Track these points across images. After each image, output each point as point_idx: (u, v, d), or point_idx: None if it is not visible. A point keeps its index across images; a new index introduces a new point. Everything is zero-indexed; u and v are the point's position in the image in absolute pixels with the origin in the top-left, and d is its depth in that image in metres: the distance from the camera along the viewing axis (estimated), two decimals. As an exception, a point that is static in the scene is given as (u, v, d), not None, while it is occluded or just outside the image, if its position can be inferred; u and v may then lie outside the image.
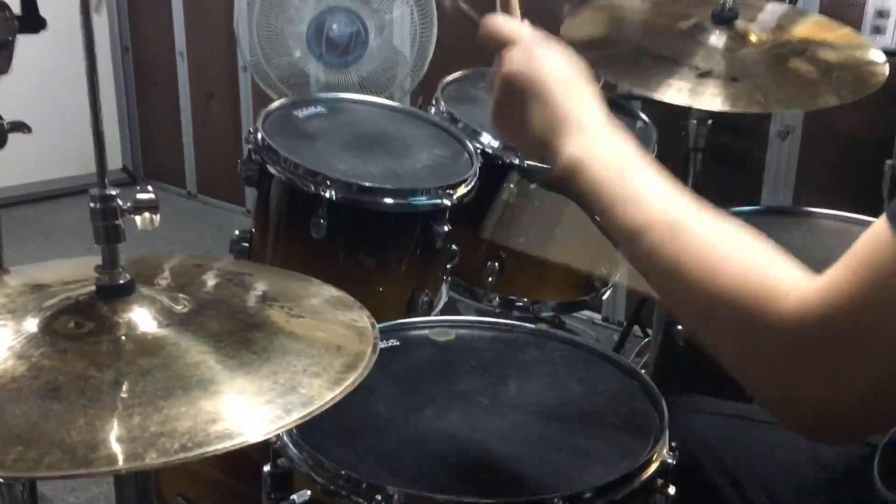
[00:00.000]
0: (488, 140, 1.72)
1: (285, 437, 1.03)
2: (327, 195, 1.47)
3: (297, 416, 0.78)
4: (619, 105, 1.99)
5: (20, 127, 1.51)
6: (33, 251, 3.54)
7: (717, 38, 1.93)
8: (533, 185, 1.69)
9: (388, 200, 1.50)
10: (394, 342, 1.28)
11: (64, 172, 4.17)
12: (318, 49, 2.42)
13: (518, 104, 0.92)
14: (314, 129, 1.69)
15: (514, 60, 0.93)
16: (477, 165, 1.65)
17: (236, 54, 3.72)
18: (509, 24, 0.97)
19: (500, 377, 1.21)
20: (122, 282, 0.91)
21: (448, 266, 1.70)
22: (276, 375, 0.83)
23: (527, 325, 1.36)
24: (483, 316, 1.59)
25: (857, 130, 2.36)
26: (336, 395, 0.81)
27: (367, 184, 1.49)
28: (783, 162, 2.51)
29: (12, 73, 1.50)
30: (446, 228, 1.56)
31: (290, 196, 1.57)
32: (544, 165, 0.88)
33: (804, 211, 1.74)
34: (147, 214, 0.91)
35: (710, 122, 2.07)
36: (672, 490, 1.02)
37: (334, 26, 2.41)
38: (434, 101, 1.84)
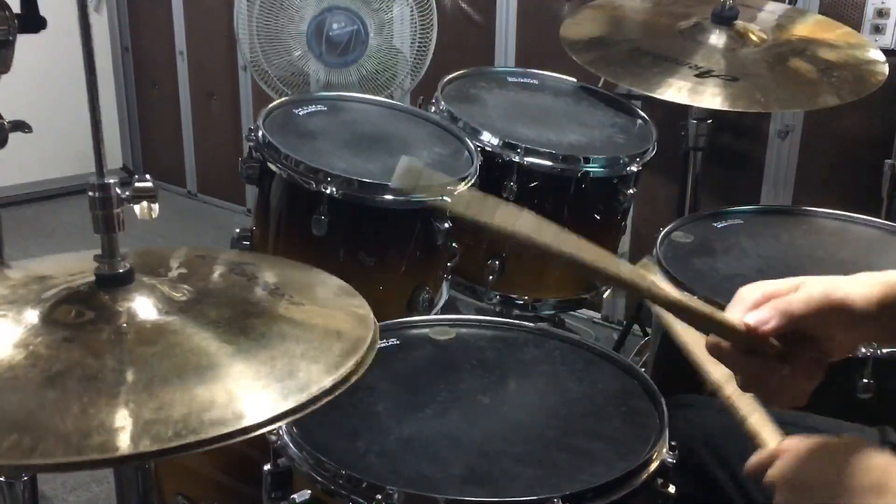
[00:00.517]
0: (488, 138, 1.72)
1: (286, 437, 1.03)
2: (328, 192, 1.47)
3: (293, 401, 0.78)
4: (619, 104, 1.99)
5: (20, 126, 1.51)
6: (33, 250, 3.54)
7: (717, 38, 1.93)
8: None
9: (389, 197, 1.50)
10: (394, 341, 1.28)
11: (64, 172, 4.17)
12: (318, 48, 2.41)
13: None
14: (314, 127, 1.69)
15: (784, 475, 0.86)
16: (477, 164, 1.65)
17: (236, 54, 3.71)
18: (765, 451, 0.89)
19: (501, 376, 1.21)
20: (121, 271, 0.91)
21: (448, 264, 1.70)
22: (274, 361, 0.83)
23: (527, 323, 1.36)
24: (483, 315, 1.60)
25: (856, 130, 2.36)
26: (334, 379, 0.81)
27: (367, 180, 1.49)
28: (783, 161, 2.51)
29: (12, 73, 1.50)
30: (447, 226, 1.56)
31: (291, 193, 1.57)
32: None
33: (804, 210, 1.74)
34: (145, 203, 0.91)
35: (709, 121, 2.07)
36: (672, 489, 1.02)
37: (334, 25, 2.41)
38: (434, 100, 1.84)
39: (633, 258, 2.80)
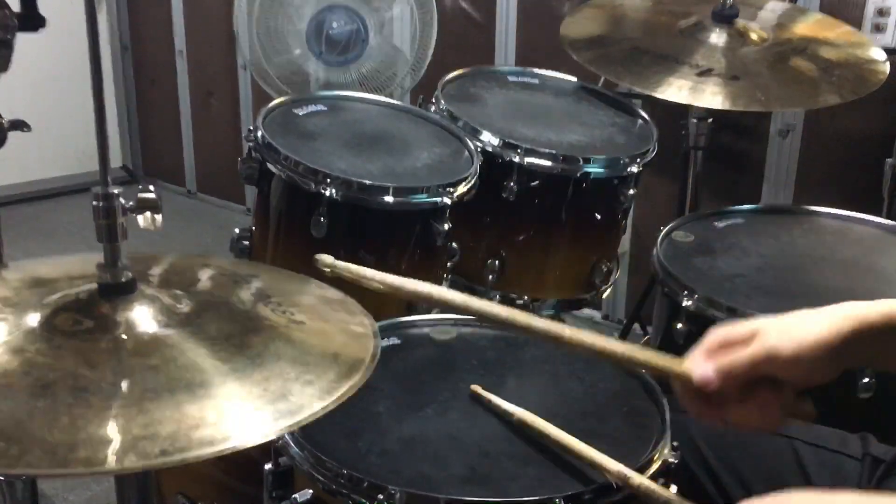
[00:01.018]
0: (488, 138, 1.72)
1: (287, 436, 1.03)
2: (328, 193, 1.47)
3: (283, 425, 0.77)
4: (620, 104, 1.98)
5: (20, 125, 1.51)
6: (33, 250, 3.54)
7: (717, 37, 1.93)
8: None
9: (389, 198, 1.50)
10: (395, 340, 1.28)
11: (64, 171, 4.17)
12: (317, 47, 2.41)
13: None
14: (314, 127, 1.69)
15: None
16: (477, 164, 1.65)
17: (236, 53, 3.71)
18: None
19: (501, 376, 1.21)
20: (123, 280, 0.91)
21: (448, 264, 1.70)
22: (268, 382, 0.82)
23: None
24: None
25: (857, 129, 2.36)
26: (326, 406, 0.80)
27: (367, 182, 1.49)
28: (783, 160, 2.51)
29: (12, 72, 1.50)
30: (446, 227, 1.56)
31: (291, 194, 1.57)
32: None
33: (804, 210, 1.74)
34: (149, 213, 0.91)
35: (710, 120, 2.07)
36: (674, 489, 1.02)
37: (334, 24, 2.41)
38: (434, 100, 1.84)
39: (634, 258, 2.80)
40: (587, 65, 1.89)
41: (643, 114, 1.94)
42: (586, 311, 2.98)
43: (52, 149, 4.04)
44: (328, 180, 1.48)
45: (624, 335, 2.41)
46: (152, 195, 0.91)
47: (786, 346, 0.85)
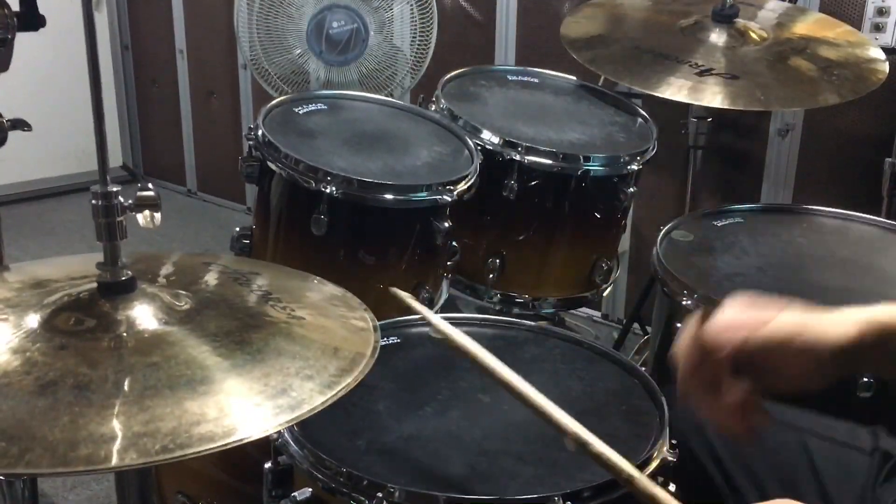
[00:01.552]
0: (488, 137, 1.72)
1: (286, 435, 1.03)
2: (328, 191, 1.47)
3: (284, 419, 0.77)
4: (620, 103, 1.99)
5: (20, 125, 1.51)
6: (34, 249, 3.54)
7: (717, 36, 1.93)
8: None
9: (389, 196, 1.50)
10: (394, 339, 1.28)
11: (64, 170, 4.17)
12: (318, 47, 2.41)
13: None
14: (314, 126, 1.69)
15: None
16: (477, 162, 1.65)
17: (236, 52, 3.71)
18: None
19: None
20: (123, 279, 0.91)
21: (449, 263, 1.70)
22: (269, 377, 0.82)
23: (527, 322, 1.36)
24: (483, 313, 1.60)
25: (857, 128, 2.36)
26: (326, 400, 0.81)
27: (367, 180, 1.49)
28: (783, 160, 2.51)
29: (12, 71, 1.50)
30: (447, 225, 1.56)
31: (291, 193, 1.57)
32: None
33: (804, 209, 1.74)
34: (148, 212, 0.91)
35: (710, 119, 2.07)
36: (672, 488, 1.02)
37: (334, 24, 2.41)
38: (434, 99, 1.84)
39: (634, 257, 2.80)
40: (587, 64, 1.89)
41: (643, 113, 1.94)
42: (586, 310, 2.99)
43: (52, 148, 4.04)
44: (329, 178, 1.48)
45: (623, 335, 2.41)
46: (151, 193, 0.91)
47: (827, 341, 0.83)
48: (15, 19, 1.47)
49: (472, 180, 1.61)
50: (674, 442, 1.05)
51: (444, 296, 1.73)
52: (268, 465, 1.04)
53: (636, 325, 2.41)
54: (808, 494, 1.05)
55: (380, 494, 0.93)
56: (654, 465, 1.01)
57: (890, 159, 2.11)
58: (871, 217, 1.69)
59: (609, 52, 1.92)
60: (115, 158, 4.39)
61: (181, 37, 4.03)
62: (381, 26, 2.46)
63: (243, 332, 0.90)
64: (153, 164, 4.48)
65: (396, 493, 0.93)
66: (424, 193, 1.53)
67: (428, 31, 2.49)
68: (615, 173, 1.74)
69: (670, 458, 1.03)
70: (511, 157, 1.69)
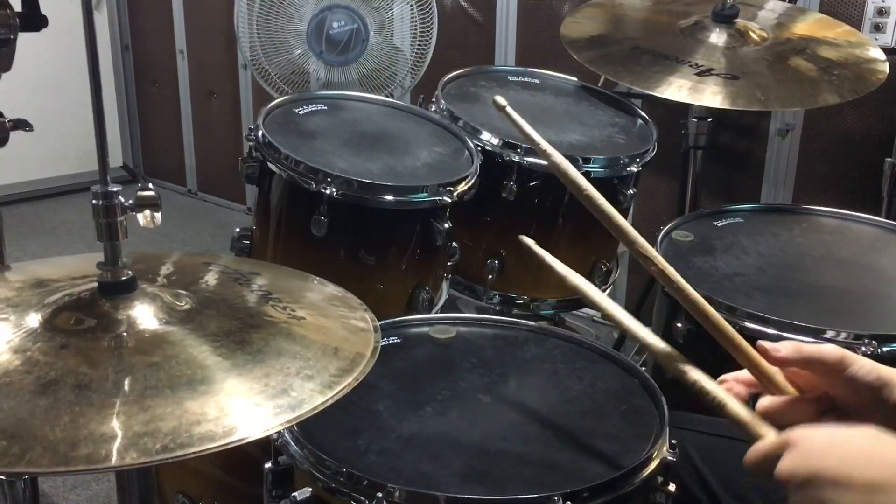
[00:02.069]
0: (488, 137, 1.72)
1: (286, 435, 1.03)
2: (328, 192, 1.47)
3: (284, 419, 0.78)
4: (620, 104, 1.99)
5: (22, 125, 1.51)
6: (34, 249, 3.54)
7: (717, 36, 1.93)
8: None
9: (389, 197, 1.51)
10: (394, 340, 1.29)
11: (65, 170, 4.17)
12: (318, 47, 2.42)
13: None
14: (315, 126, 1.69)
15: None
16: (477, 163, 1.65)
17: (237, 52, 3.72)
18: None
19: (501, 375, 1.21)
20: (123, 279, 0.91)
21: (448, 263, 1.70)
22: (269, 377, 0.83)
23: (527, 322, 1.36)
24: (483, 313, 1.60)
25: (856, 129, 2.36)
26: (326, 400, 0.81)
27: (367, 181, 1.49)
28: (783, 160, 2.51)
29: (13, 71, 1.51)
30: (447, 226, 1.56)
31: (291, 193, 1.57)
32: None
33: (804, 209, 1.75)
34: (148, 212, 0.91)
35: (710, 120, 2.07)
36: (672, 487, 1.02)
37: (334, 24, 2.41)
38: (434, 99, 1.84)
39: (634, 257, 2.80)
40: (587, 64, 1.89)
41: (643, 113, 1.94)
42: (586, 311, 2.98)
43: (52, 148, 4.05)
44: (329, 179, 1.48)
45: (624, 335, 2.41)
46: (151, 193, 0.91)
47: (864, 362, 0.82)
48: (17, 19, 1.47)
49: (472, 181, 1.61)
50: (674, 442, 1.05)
51: (444, 296, 1.74)
52: (268, 465, 1.05)
53: (636, 325, 2.40)
54: None
55: (380, 494, 0.93)
56: (654, 464, 1.01)
57: (890, 159, 2.11)
58: (871, 217, 1.69)
59: (609, 53, 1.92)
60: (116, 158, 4.40)
61: (181, 37, 4.04)
62: (381, 26, 2.46)
63: (243, 332, 0.90)
64: (153, 164, 4.48)
65: (396, 493, 0.93)
66: (424, 194, 1.53)
67: (428, 31, 2.49)
68: (615, 175, 1.74)
69: (670, 458, 1.03)
70: (511, 158, 1.69)
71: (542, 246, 1.79)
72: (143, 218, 0.91)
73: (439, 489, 0.95)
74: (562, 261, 1.12)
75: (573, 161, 1.70)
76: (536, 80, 2.06)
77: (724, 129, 2.56)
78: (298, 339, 0.91)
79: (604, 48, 1.94)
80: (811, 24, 2.03)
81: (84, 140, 4.09)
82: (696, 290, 1.37)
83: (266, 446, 1.05)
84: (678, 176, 2.17)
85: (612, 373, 1.24)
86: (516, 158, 1.68)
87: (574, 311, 2.81)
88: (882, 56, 1.88)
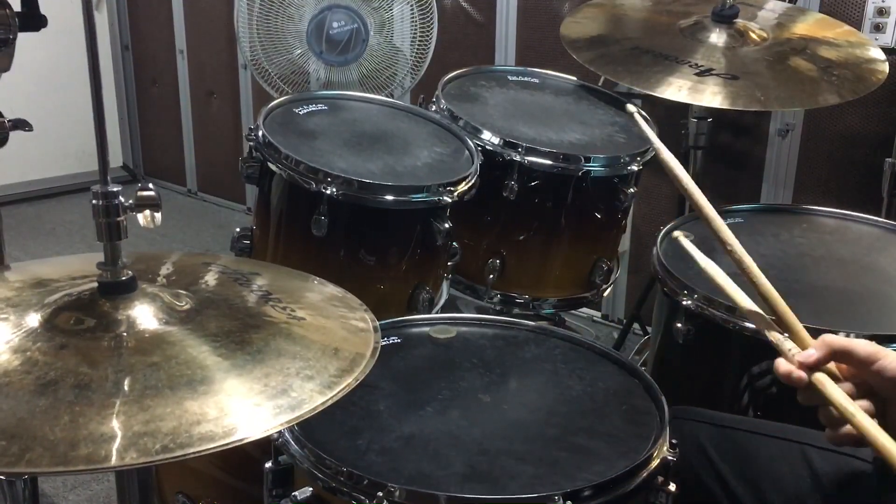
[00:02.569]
0: (489, 137, 1.72)
1: (287, 434, 1.03)
2: (328, 192, 1.47)
3: (284, 419, 0.78)
4: (620, 103, 1.99)
5: (21, 125, 1.51)
6: (35, 249, 3.54)
7: (717, 36, 1.93)
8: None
9: (389, 197, 1.51)
10: (394, 339, 1.29)
11: (65, 170, 4.17)
12: (318, 47, 2.41)
13: None
14: (315, 126, 1.69)
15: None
16: (477, 163, 1.65)
17: (237, 52, 3.72)
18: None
19: (501, 375, 1.21)
20: (123, 279, 0.91)
21: (449, 263, 1.70)
22: (269, 378, 0.83)
23: (527, 322, 1.36)
24: (484, 313, 1.60)
25: (856, 129, 2.36)
26: (326, 401, 0.81)
27: (368, 181, 1.49)
28: (783, 160, 2.51)
29: (13, 72, 1.51)
30: (447, 226, 1.56)
31: (291, 193, 1.57)
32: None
33: (804, 209, 1.75)
34: (148, 212, 0.91)
35: (710, 120, 2.07)
36: (672, 487, 1.02)
37: (334, 24, 2.41)
38: (434, 99, 1.84)
39: (634, 257, 2.80)
40: (587, 64, 1.89)
41: (643, 113, 1.94)
42: (586, 311, 2.99)
43: (52, 148, 4.05)
44: (329, 179, 1.48)
45: (623, 335, 2.41)
46: (152, 193, 0.91)
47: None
48: (16, 19, 1.47)
49: (473, 181, 1.61)
50: (674, 441, 1.05)
51: (445, 296, 1.74)
52: (268, 464, 1.05)
53: (636, 325, 2.41)
54: None
55: (380, 494, 0.93)
56: (654, 464, 1.01)
57: (890, 159, 2.11)
58: (871, 217, 1.69)
59: (609, 53, 1.92)
60: (116, 159, 4.40)
61: (181, 37, 4.04)
62: (381, 26, 2.46)
63: (243, 333, 0.90)
64: (153, 164, 4.48)
65: (397, 493, 0.93)
66: (425, 194, 1.53)
67: (428, 31, 2.49)
68: (615, 174, 1.74)
69: (670, 458, 1.03)
70: (511, 157, 1.69)
71: (542, 245, 1.80)
72: (143, 218, 0.91)
73: (440, 489, 0.95)
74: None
75: (574, 160, 1.71)
76: (536, 80, 2.06)
77: (724, 129, 2.56)
78: (298, 339, 0.91)
79: (604, 48, 1.93)
80: (811, 24, 2.03)
81: (84, 140, 4.09)
82: (696, 290, 1.38)
83: (266, 446, 1.05)
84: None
85: (612, 373, 1.24)
86: (517, 158, 1.68)
87: (574, 311, 2.82)
88: (882, 56, 1.88)
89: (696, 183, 1.18)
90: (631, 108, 1.24)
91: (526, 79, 2.06)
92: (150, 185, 0.92)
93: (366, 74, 2.49)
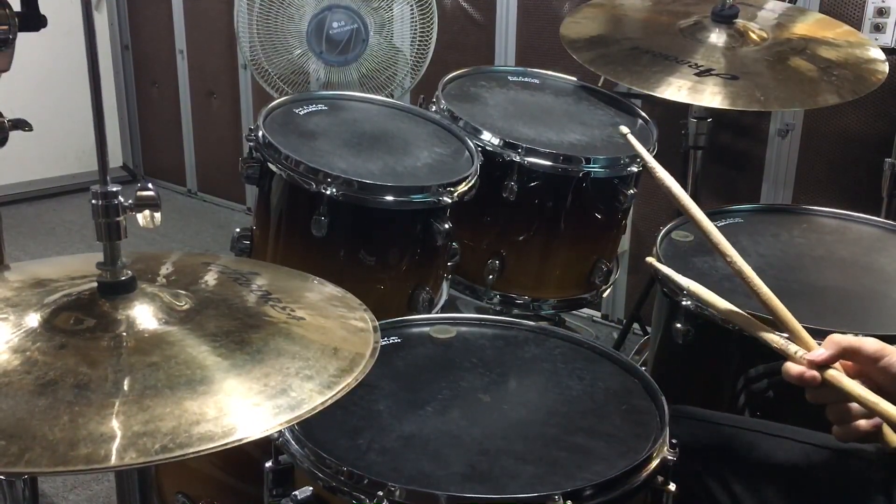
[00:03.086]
0: (489, 138, 1.72)
1: (287, 434, 1.03)
2: (328, 193, 1.47)
3: (283, 419, 0.78)
4: (620, 104, 1.99)
5: (21, 125, 1.51)
6: (34, 249, 3.54)
7: (717, 37, 1.93)
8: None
9: (389, 198, 1.51)
10: (394, 339, 1.29)
11: (65, 170, 4.17)
12: (318, 47, 2.41)
13: None
14: (315, 126, 1.69)
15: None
16: (477, 163, 1.65)
17: (236, 52, 3.71)
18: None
19: (501, 374, 1.21)
20: (123, 279, 0.91)
21: (449, 264, 1.70)
22: (268, 377, 0.83)
23: (527, 322, 1.36)
24: (483, 313, 1.60)
25: (856, 129, 2.36)
26: (326, 401, 0.81)
27: (368, 181, 1.49)
28: (783, 160, 2.51)
29: (13, 71, 1.51)
30: (447, 226, 1.56)
31: (291, 194, 1.57)
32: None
33: (804, 209, 1.75)
34: (148, 211, 0.91)
35: (709, 120, 2.07)
36: (672, 487, 1.02)
37: (334, 24, 2.41)
38: (434, 100, 1.84)
39: (634, 257, 2.80)
40: (587, 65, 1.89)
41: (643, 114, 1.94)
42: (586, 311, 2.99)
43: (52, 148, 4.05)
44: (329, 180, 1.48)
45: (623, 335, 2.41)
46: (151, 193, 0.91)
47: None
48: (16, 19, 1.47)
49: (473, 181, 1.61)
50: (674, 441, 1.05)
51: (444, 297, 1.74)
52: (268, 464, 1.05)
53: (636, 325, 2.41)
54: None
55: (380, 493, 0.93)
56: (654, 464, 1.01)
57: (890, 159, 2.11)
58: (871, 217, 1.69)
59: (609, 53, 1.92)
60: (115, 159, 4.40)
61: (181, 37, 4.04)
62: (381, 26, 2.46)
63: (243, 332, 0.90)
64: (153, 164, 4.48)
65: (397, 492, 0.93)
66: (424, 195, 1.53)
67: (428, 31, 2.49)
68: (615, 175, 1.74)
69: (670, 458, 1.03)
70: (511, 158, 1.69)
71: (542, 246, 1.80)
72: (142, 218, 0.91)
73: (440, 488, 0.95)
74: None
75: (574, 161, 1.71)
76: (536, 80, 2.06)
77: (723, 129, 2.56)
78: (298, 339, 0.91)
79: (604, 48, 1.93)
80: (811, 25, 2.03)
81: (84, 140, 4.09)
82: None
83: (266, 446, 1.05)
84: (678, 176, 2.16)
85: (612, 373, 1.24)
86: (517, 158, 1.68)
87: (574, 311, 2.82)
88: (882, 56, 1.88)
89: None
90: (624, 129, 1.25)
91: (526, 79, 2.06)
92: (150, 185, 0.92)
93: (366, 75, 2.49)
